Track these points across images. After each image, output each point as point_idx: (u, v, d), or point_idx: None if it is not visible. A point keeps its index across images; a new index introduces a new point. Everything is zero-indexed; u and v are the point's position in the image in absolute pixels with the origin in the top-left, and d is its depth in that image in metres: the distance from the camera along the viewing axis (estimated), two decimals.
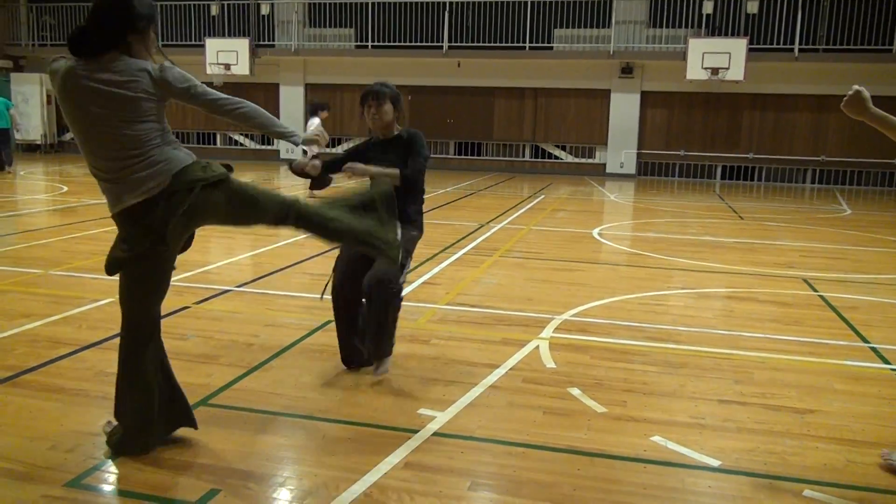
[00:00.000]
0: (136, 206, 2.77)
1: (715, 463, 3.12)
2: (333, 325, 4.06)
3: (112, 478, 2.86)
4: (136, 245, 2.79)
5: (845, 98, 2.92)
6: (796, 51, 17.30)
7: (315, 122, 11.29)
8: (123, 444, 3.01)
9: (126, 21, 2.75)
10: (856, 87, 2.90)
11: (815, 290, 6.38)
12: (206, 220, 2.93)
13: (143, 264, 2.84)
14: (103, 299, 5.36)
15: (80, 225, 8.88)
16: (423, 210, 4.21)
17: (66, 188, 13.10)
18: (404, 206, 3.86)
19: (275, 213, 3.03)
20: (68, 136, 22.64)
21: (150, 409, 3.00)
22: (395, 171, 3.90)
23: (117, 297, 2.96)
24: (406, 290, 5.96)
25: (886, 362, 4.51)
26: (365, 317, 3.90)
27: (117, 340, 3.04)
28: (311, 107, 11.62)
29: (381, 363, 3.84)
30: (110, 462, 2.96)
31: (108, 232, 8.27)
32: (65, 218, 9.64)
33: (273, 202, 3.03)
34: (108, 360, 3.99)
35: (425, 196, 4.23)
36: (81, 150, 2.84)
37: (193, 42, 20.23)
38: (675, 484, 2.94)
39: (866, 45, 17.10)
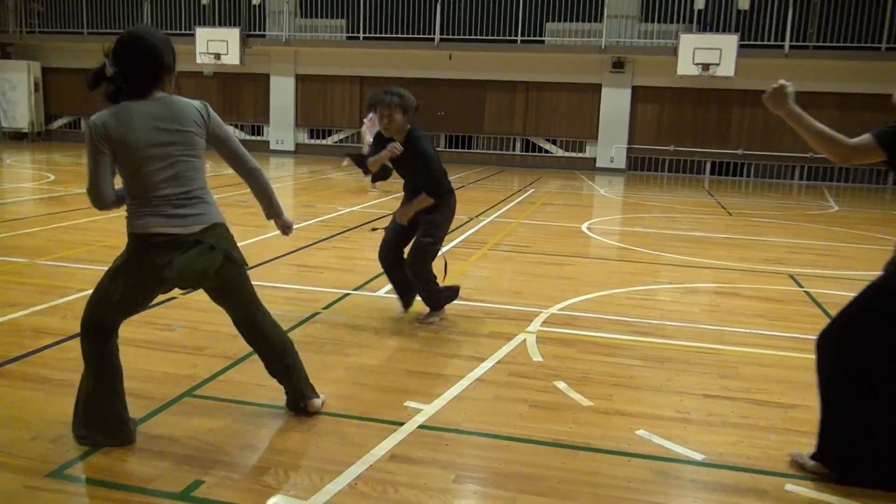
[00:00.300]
0: (155, 235, 2.82)
1: (699, 457, 3.13)
2: (320, 316, 4.23)
3: (95, 468, 2.84)
4: (131, 277, 2.88)
5: (768, 91, 2.93)
6: (787, 47, 17.36)
7: (371, 116, 11.24)
8: (102, 437, 3.00)
9: (163, 60, 2.82)
10: (781, 81, 2.92)
11: (801, 286, 6.41)
12: (206, 284, 3.03)
13: (141, 287, 2.93)
14: (89, 289, 5.30)
15: (66, 214, 8.82)
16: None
17: (52, 177, 13.00)
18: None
19: (248, 315, 3.19)
20: (56, 124, 22.50)
21: (122, 398, 3.02)
22: (424, 198, 4.58)
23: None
24: None
25: None
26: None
27: None
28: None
29: (428, 314, 4.86)
30: (93, 453, 2.94)
31: (94, 221, 8.23)
32: (51, 207, 9.57)
33: (256, 307, 3.19)
34: None
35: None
36: (127, 182, 2.85)
37: (183, 31, 20.10)
38: (658, 477, 2.95)
39: (856, 42, 17.18)
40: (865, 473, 2.91)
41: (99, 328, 2.96)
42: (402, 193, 4.94)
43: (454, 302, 5.32)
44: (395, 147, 4.45)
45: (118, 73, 2.77)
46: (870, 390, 2.87)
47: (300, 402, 3.35)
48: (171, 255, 2.84)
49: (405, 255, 4.81)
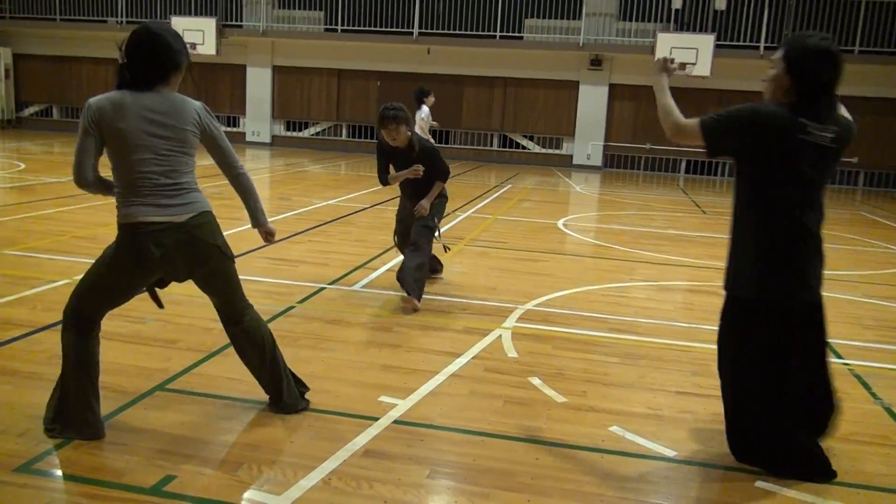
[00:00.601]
0: (145, 224, 2.83)
1: (671, 453, 3.17)
2: (295, 310, 4.32)
3: (64, 463, 2.80)
4: (123, 268, 2.89)
5: (658, 58, 3.16)
6: (762, 48, 17.55)
7: (424, 111, 10.16)
8: (72, 430, 2.96)
9: (174, 59, 2.86)
10: (665, 55, 3.13)
11: None
12: (195, 273, 3.04)
13: (133, 277, 2.94)
14: (59, 280, 5.25)
15: (37, 204, 8.67)
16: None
17: (23, 165, 12.78)
18: (430, 181, 5.27)
19: (234, 307, 3.18)
20: (27, 112, 22.11)
21: (95, 392, 2.99)
22: (438, 185, 5.34)
23: (75, 281, 2.93)
24: (370, 277, 5.96)
25: (840, 357, 4.62)
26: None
27: None
28: (417, 94, 10.41)
29: (409, 301, 5.02)
30: (63, 447, 2.90)
31: (65, 212, 8.10)
32: (21, 196, 9.40)
33: (241, 299, 3.20)
34: None
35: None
36: (116, 169, 2.86)
37: (159, 20, 19.83)
38: (631, 474, 2.98)
39: None
40: (786, 469, 3.01)
41: (85, 320, 2.95)
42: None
43: (430, 297, 5.33)
44: (419, 169, 5.06)
45: (124, 65, 2.82)
46: (766, 394, 2.98)
47: (289, 400, 3.32)
48: (163, 245, 2.85)
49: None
